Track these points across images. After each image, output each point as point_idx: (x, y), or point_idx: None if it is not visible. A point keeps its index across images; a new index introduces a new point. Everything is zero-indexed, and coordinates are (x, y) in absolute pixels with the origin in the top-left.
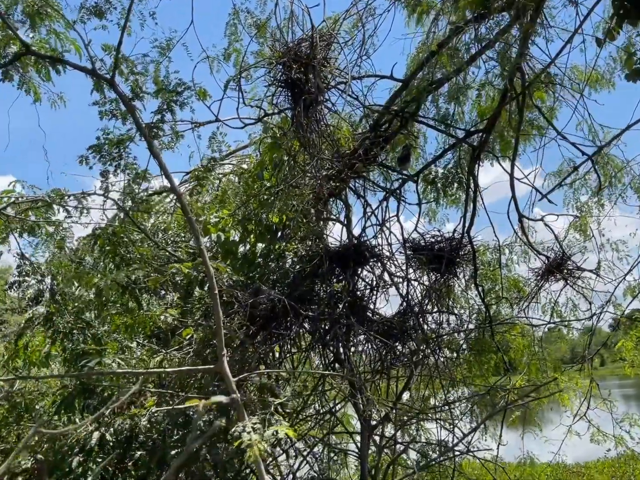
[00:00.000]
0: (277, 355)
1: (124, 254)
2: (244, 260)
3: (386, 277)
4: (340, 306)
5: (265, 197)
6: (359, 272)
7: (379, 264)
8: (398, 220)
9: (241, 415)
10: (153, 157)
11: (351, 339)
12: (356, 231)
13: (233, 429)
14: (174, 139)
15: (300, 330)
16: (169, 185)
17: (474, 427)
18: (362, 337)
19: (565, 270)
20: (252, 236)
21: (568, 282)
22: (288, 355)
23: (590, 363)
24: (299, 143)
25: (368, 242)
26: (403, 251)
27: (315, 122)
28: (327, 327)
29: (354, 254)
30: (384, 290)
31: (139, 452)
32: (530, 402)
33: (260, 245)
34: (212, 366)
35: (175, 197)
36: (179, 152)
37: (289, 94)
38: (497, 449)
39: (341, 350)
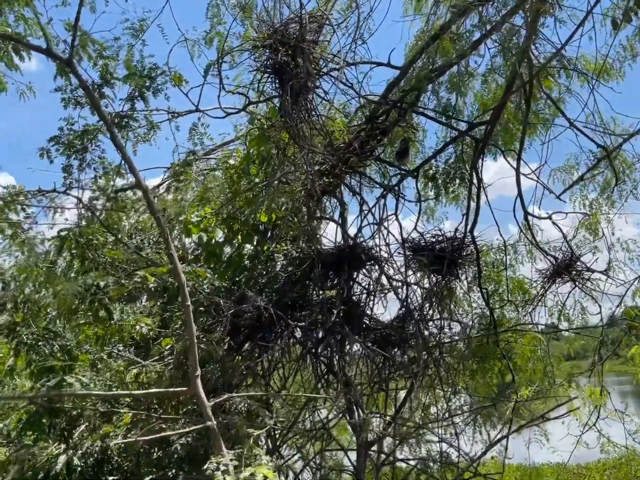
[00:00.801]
0: (266, 367)
1: (94, 257)
2: (230, 263)
3: (384, 280)
4: (334, 314)
5: (252, 194)
6: (354, 276)
7: (377, 267)
8: (397, 219)
9: (218, 446)
10: (116, 149)
11: (346, 349)
12: (352, 231)
13: (206, 466)
14: (150, 130)
15: (290, 341)
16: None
17: (483, 450)
18: (358, 346)
19: (574, 272)
20: (238, 237)
21: (577, 283)
22: (278, 367)
23: (601, 370)
24: (288, 134)
25: (364, 244)
26: (402, 252)
27: (305, 111)
28: (319, 337)
29: (349, 256)
30: (381, 295)
31: (111, 477)
32: (535, 406)
33: (248, 247)
34: (184, 388)
35: (142, 194)
36: (157, 145)
37: (276, 80)
38: (503, 464)
39: (335, 361)
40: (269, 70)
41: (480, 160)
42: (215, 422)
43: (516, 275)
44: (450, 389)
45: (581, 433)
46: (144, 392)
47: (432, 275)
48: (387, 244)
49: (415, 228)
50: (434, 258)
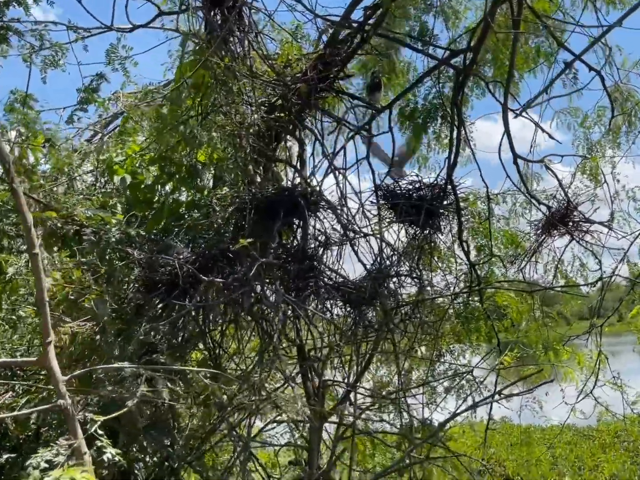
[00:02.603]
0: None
1: None
2: (162, 210)
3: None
4: (256, 268)
5: (186, 129)
6: (292, 223)
7: (332, 215)
8: (368, 163)
9: (72, 428)
10: None
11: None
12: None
13: (28, 462)
14: (55, 50)
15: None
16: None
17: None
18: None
19: (571, 223)
20: (172, 179)
21: (574, 237)
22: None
23: (599, 332)
24: (217, 57)
25: (309, 187)
26: (375, 200)
27: (240, 30)
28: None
29: (287, 200)
30: (330, 246)
31: (6, 456)
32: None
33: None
34: (33, 359)
35: None
36: (68, 71)
37: None
38: (486, 428)
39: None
40: None
41: (460, 95)
42: (69, 401)
43: (509, 227)
44: (431, 353)
45: (575, 402)
46: None
47: (408, 227)
48: (340, 187)
49: (388, 173)
50: (411, 207)
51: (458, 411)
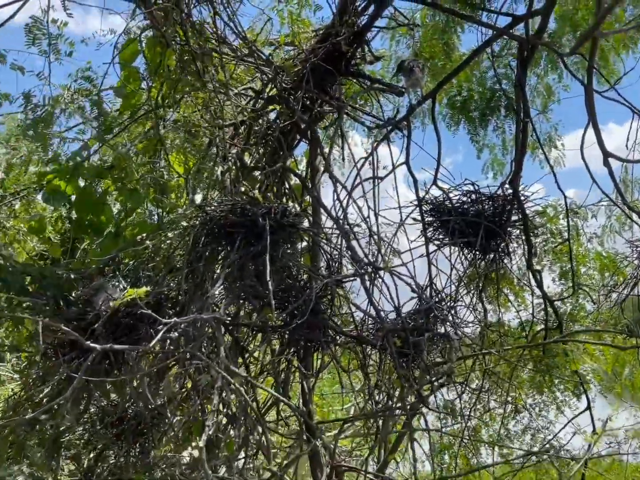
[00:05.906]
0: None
1: None
2: (116, 236)
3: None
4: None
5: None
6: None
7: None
8: (408, 169)
9: None
10: None
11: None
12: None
13: None
14: None
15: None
16: None
17: None
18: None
19: None
20: (126, 196)
21: None
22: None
23: None
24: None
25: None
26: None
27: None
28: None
29: (249, 221)
30: (334, 285)
31: None
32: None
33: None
34: None
35: None
36: None
37: None
38: None
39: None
40: None
41: (526, 73)
42: None
43: (604, 248)
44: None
45: None
46: None
47: (465, 251)
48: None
49: (435, 182)
50: (466, 225)
51: None
